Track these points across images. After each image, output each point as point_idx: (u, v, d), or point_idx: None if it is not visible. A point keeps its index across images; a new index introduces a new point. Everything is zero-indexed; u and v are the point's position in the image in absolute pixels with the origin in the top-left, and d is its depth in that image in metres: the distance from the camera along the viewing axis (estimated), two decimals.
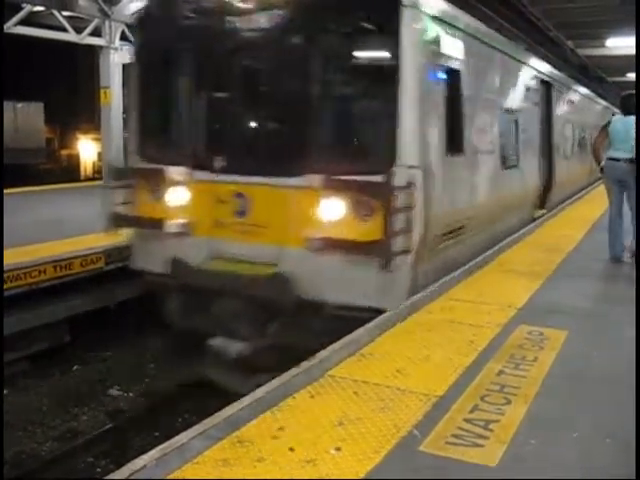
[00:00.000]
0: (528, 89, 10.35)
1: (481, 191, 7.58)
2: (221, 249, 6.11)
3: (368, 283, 5.44)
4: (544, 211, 11.40)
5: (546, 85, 11.91)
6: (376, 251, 5.28)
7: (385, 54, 5.88)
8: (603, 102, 22.54)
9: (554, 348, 4.29)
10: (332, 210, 5.56)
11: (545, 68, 12.26)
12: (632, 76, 24.21)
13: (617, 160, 6.99)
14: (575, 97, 16.03)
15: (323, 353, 4.14)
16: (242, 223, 5.96)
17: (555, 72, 13.38)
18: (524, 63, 10.28)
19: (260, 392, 3.54)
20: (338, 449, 2.93)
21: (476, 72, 7.40)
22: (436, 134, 6.06)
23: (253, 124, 6.52)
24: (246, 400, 3.43)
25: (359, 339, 4.41)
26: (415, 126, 5.61)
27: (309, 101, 5.88)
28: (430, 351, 4.21)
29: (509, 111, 9.14)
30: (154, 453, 2.89)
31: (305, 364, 3.94)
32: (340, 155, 5.84)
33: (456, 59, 6.64)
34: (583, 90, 17.97)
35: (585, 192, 15.55)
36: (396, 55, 5.56)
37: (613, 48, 18.03)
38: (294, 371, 3.83)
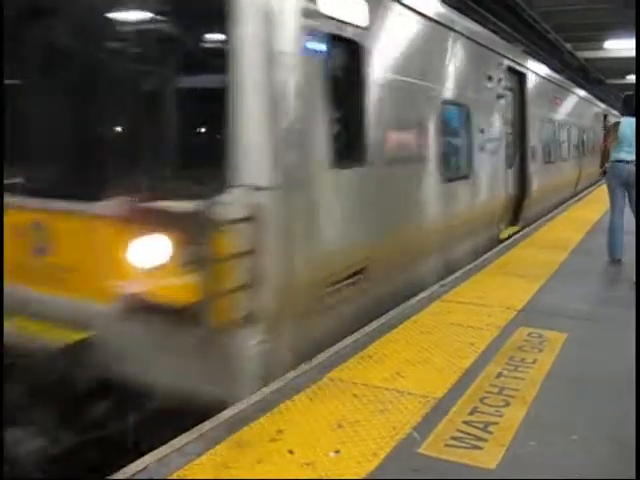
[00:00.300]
0: (489, 78, 8.14)
1: (398, 215, 5.55)
2: (22, 302, 4.15)
3: (194, 363, 3.70)
4: (517, 228, 9.58)
5: (517, 75, 9.90)
6: (192, 319, 3.48)
7: (213, 13, 3.80)
8: (595, 99, 21.27)
9: (553, 350, 4.29)
10: (143, 252, 3.69)
11: (515, 54, 10.13)
12: (631, 78, 24.29)
13: (624, 162, 6.99)
14: (560, 93, 14.17)
15: (322, 355, 4.14)
16: (43, 265, 4.14)
17: (530, 61, 11.36)
18: (480, 44, 7.93)
19: (259, 395, 3.54)
20: (337, 451, 2.93)
21: (395, 48, 5.48)
22: (313, 137, 4.17)
23: (54, 123, 4.44)
24: (245, 403, 3.44)
25: (359, 341, 4.42)
26: (265, 125, 3.77)
27: (112, 89, 4.11)
28: (429, 353, 4.21)
29: (455, 105, 7.12)
30: (153, 455, 2.90)
31: (304, 367, 3.94)
32: (155, 169, 3.90)
33: (353, 26, 4.65)
34: (571, 86, 16.25)
35: (574, 200, 14.32)
36: (227, 13, 3.66)
37: (612, 50, 18.07)
38: (293, 374, 3.84)
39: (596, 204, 13.00)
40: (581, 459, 2.92)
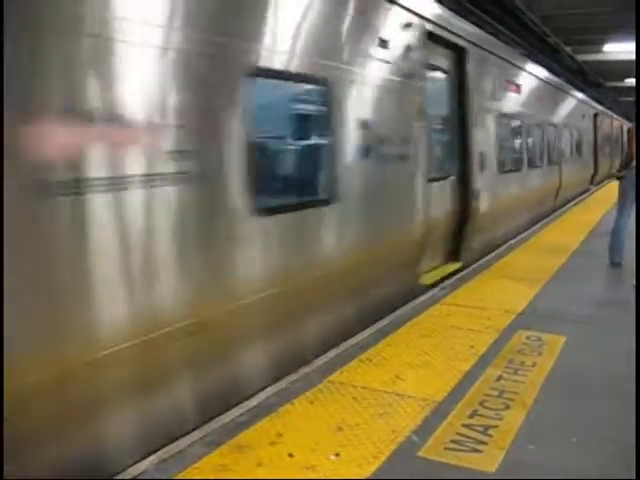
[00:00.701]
0: (382, 44, 5.18)
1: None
2: None
3: None
4: (458, 265, 7.01)
5: (454, 50, 7.11)
6: None
7: None
8: (583, 94, 18.30)
9: (553, 353, 4.30)
10: None
11: (445, 17, 6.79)
12: (630, 81, 24.35)
13: None
14: (530, 82, 11.11)
15: (322, 359, 4.15)
16: None
17: (477, 32, 8.16)
18: None
19: (259, 398, 3.55)
20: (337, 455, 2.93)
21: None
22: None
23: None
24: (245, 406, 3.44)
25: (358, 344, 4.43)
26: None
27: None
28: (429, 356, 4.22)
29: (292, 78, 4.23)
30: (153, 458, 2.91)
31: (304, 370, 3.95)
32: None
33: None
34: (547, 75, 13.06)
35: (554, 216, 11.91)
36: None
37: (611, 53, 18.10)
38: (293, 377, 3.84)
39: (594, 207, 13.04)
40: (580, 462, 2.93)
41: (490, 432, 3.16)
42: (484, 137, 7.98)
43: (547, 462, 2.90)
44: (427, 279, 6.27)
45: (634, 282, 6.09)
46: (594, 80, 23.43)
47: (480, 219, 7.50)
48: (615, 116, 26.78)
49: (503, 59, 9.23)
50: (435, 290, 6.00)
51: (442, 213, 6.70)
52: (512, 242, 8.80)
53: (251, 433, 3.14)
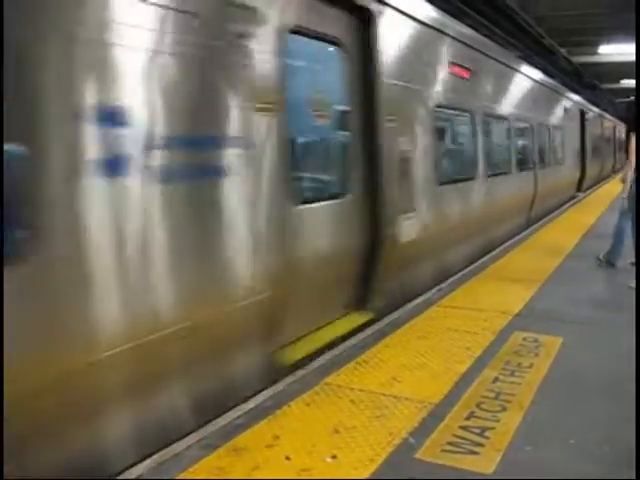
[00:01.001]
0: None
1: None
2: None
3: None
4: (367, 317, 5.08)
5: (349, 10, 4.88)
6: None
7: None
8: (566, 89, 16.11)
9: (549, 354, 4.30)
10: None
11: None
12: (626, 83, 24.44)
13: None
14: (486, 65, 8.58)
15: (319, 361, 4.14)
16: None
17: None
18: None
19: (256, 401, 3.54)
20: (334, 457, 2.93)
21: None
22: None
23: None
24: (242, 408, 3.44)
25: (355, 347, 4.42)
26: None
27: None
28: (426, 358, 4.21)
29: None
30: (150, 462, 2.90)
31: (301, 372, 3.95)
32: None
33: None
34: (511, 58, 10.76)
35: (531, 231, 10.09)
36: None
37: (606, 55, 18.16)
38: (290, 379, 3.84)
39: (593, 208, 13.07)
40: (579, 462, 2.92)
41: (487, 434, 3.16)
42: (409, 137, 5.84)
43: (544, 464, 2.90)
44: (295, 353, 4.29)
45: (631, 284, 6.10)
46: (589, 82, 23.52)
47: (402, 251, 5.54)
48: (608, 116, 26.71)
49: (445, 33, 6.86)
50: (433, 291, 5.99)
51: (331, 250, 4.71)
52: (508, 244, 8.81)
53: (248, 436, 3.13)
